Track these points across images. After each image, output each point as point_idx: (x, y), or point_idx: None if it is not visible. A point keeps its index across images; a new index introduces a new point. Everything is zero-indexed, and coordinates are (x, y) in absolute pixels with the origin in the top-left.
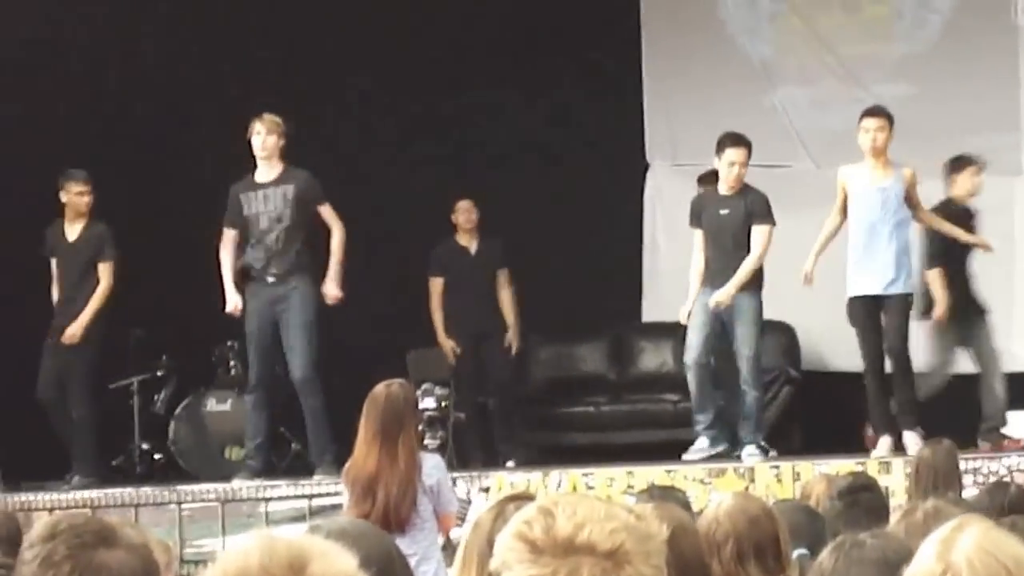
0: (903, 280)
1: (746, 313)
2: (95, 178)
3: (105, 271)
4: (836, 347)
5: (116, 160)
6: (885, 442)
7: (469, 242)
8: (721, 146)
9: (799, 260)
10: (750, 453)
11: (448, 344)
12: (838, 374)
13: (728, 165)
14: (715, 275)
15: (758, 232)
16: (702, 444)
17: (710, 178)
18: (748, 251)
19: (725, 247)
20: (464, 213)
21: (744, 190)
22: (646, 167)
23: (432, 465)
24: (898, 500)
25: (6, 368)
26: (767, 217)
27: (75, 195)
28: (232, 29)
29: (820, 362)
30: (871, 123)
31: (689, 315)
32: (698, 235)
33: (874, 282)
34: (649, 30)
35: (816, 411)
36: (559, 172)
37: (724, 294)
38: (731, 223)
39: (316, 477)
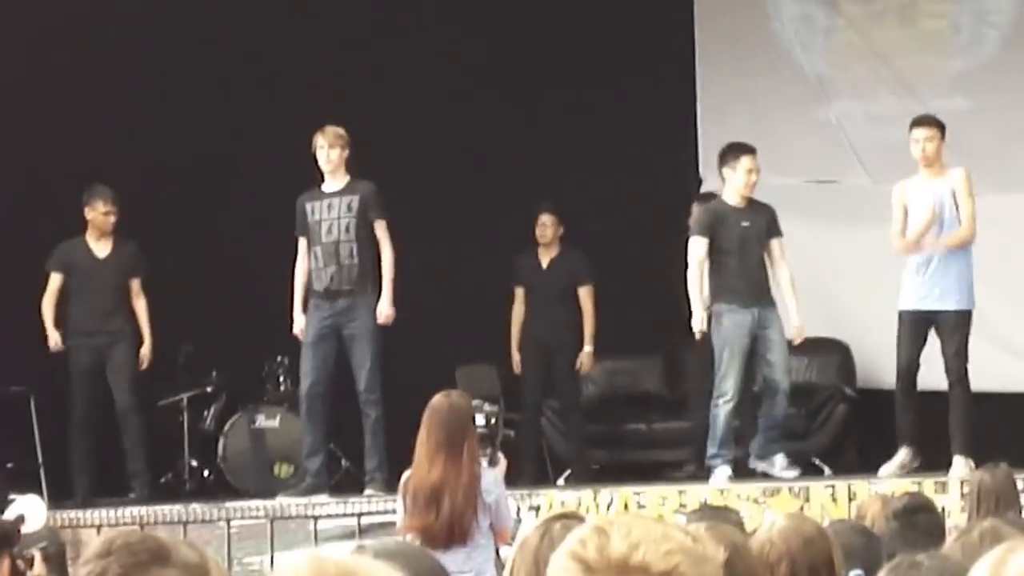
0: (960, 295)
1: (777, 325)
2: (145, 191)
3: (140, 287)
4: (893, 365)
5: (166, 173)
6: (902, 453)
7: (544, 255)
8: (734, 155)
9: (854, 276)
10: (784, 465)
11: (515, 356)
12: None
13: (747, 172)
14: (746, 292)
15: (780, 244)
16: (727, 472)
17: (708, 198)
18: (765, 265)
19: (751, 261)
20: (539, 227)
21: (755, 202)
22: (699, 182)
23: (491, 480)
24: (954, 521)
25: (49, 383)
26: (780, 229)
27: (101, 214)
28: (291, 36)
29: (876, 380)
30: (919, 133)
31: (706, 332)
32: (703, 244)
33: (927, 297)
34: (703, 45)
35: (872, 430)
36: (612, 188)
37: (799, 326)
38: (755, 236)
39: (366, 494)
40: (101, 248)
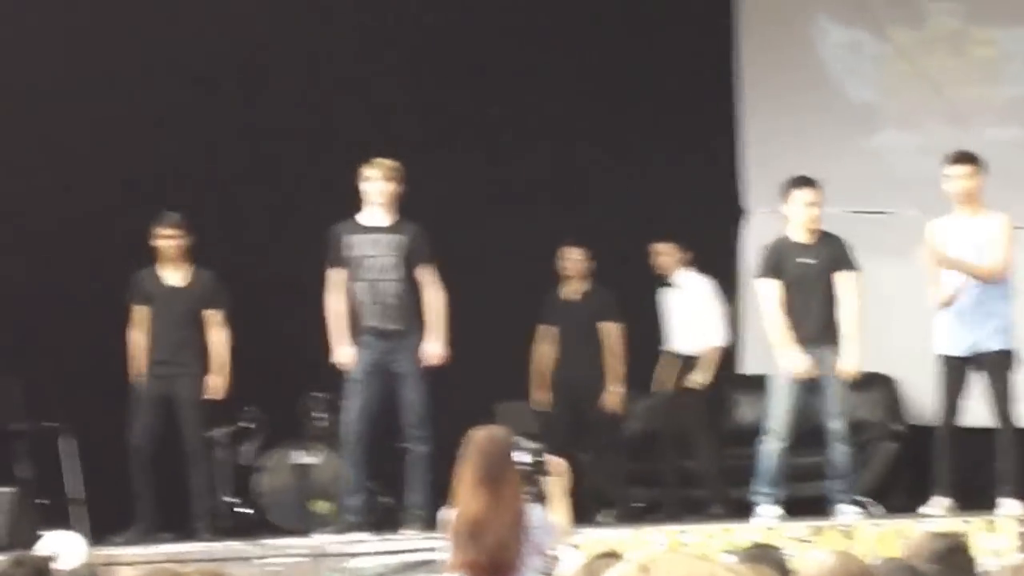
0: (1000, 335)
1: (833, 367)
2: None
3: (220, 318)
4: None
5: (205, 210)
6: (941, 502)
7: (570, 290)
8: (788, 190)
9: (902, 310)
10: (846, 511)
11: (537, 395)
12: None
13: (805, 206)
14: (801, 331)
15: (850, 279)
16: (770, 510)
17: None
18: (830, 303)
19: (811, 299)
20: (565, 260)
21: (824, 236)
22: (740, 213)
23: (537, 517)
24: (1004, 560)
25: (96, 416)
26: (854, 263)
27: (162, 239)
28: (335, 74)
29: (926, 416)
30: (956, 170)
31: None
32: (776, 287)
33: (965, 342)
34: (748, 73)
35: (922, 467)
36: (653, 222)
37: (854, 363)
38: (816, 272)
39: (404, 532)
40: (172, 276)
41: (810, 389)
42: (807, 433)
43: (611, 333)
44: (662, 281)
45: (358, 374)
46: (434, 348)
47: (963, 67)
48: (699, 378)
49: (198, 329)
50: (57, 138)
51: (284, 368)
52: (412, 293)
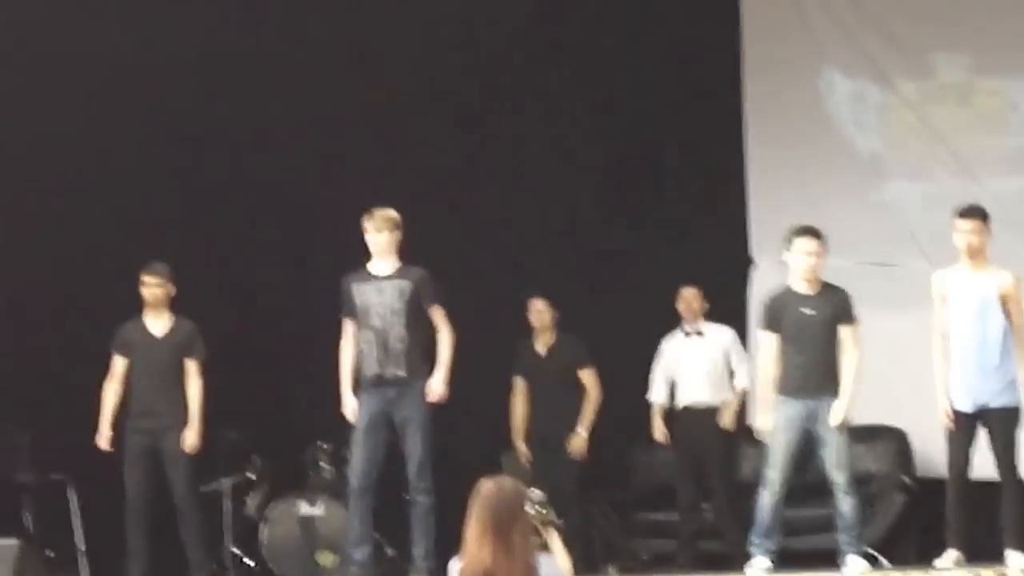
0: (1007, 392)
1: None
2: (185, 277)
3: (198, 369)
4: None
5: (208, 258)
6: (951, 555)
7: (540, 344)
8: (789, 238)
9: (910, 361)
10: (854, 563)
11: (521, 447)
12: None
13: (805, 255)
14: (801, 382)
15: (852, 333)
16: (763, 563)
17: None
18: (831, 354)
19: (811, 350)
20: (534, 313)
21: (827, 287)
22: (748, 263)
23: (548, 565)
24: None
25: (101, 468)
26: (854, 316)
27: (144, 287)
28: (334, 121)
29: (936, 469)
30: (965, 225)
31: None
32: (773, 340)
33: (971, 398)
34: (753, 123)
35: (932, 519)
36: (661, 273)
37: (841, 415)
38: (816, 324)
39: None
40: (157, 326)
41: (812, 441)
42: (815, 485)
43: (584, 379)
44: (685, 329)
45: (362, 425)
46: (435, 386)
47: (969, 118)
48: (728, 423)
49: (179, 380)
50: (55, 195)
51: (289, 418)
52: (417, 340)
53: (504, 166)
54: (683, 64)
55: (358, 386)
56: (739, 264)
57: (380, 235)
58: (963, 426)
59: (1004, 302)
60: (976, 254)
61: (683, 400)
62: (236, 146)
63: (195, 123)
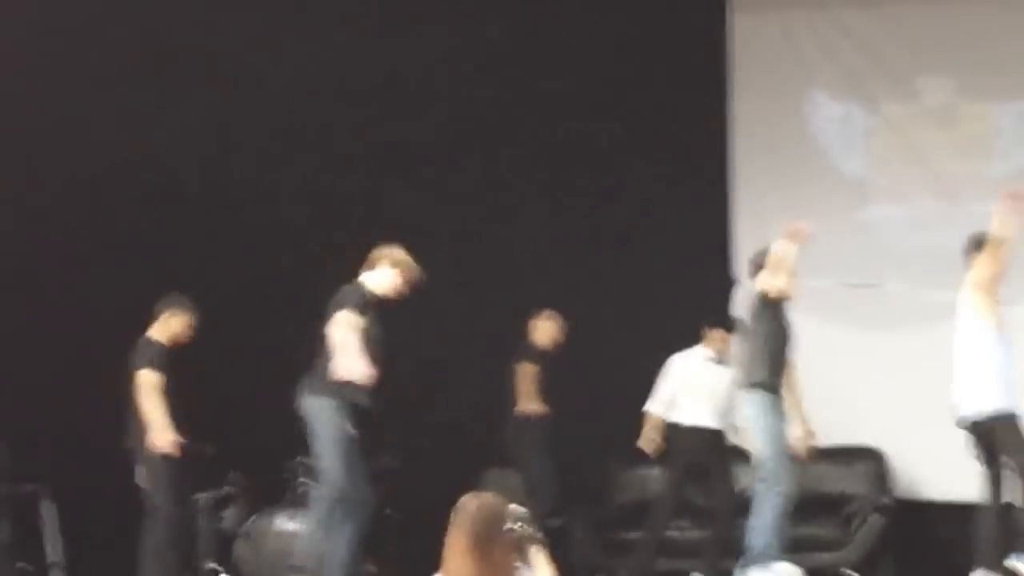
0: (1001, 399)
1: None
2: (162, 291)
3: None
4: (933, 474)
5: (190, 274)
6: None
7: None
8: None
9: (890, 382)
10: None
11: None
12: (937, 504)
13: None
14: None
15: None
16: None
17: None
18: None
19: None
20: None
21: None
22: (731, 283)
23: None
24: None
25: (77, 479)
26: None
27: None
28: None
29: (915, 491)
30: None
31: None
32: None
33: (971, 405)
34: (739, 145)
35: (911, 543)
36: (645, 291)
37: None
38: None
39: None
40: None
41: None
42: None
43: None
44: (711, 356)
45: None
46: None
47: (953, 141)
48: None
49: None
50: (27, 203)
51: (268, 434)
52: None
53: (487, 181)
54: (671, 84)
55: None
56: (724, 284)
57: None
58: (973, 440)
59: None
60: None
61: (688, 419)
62: (220, 159)
63: (157, 140)
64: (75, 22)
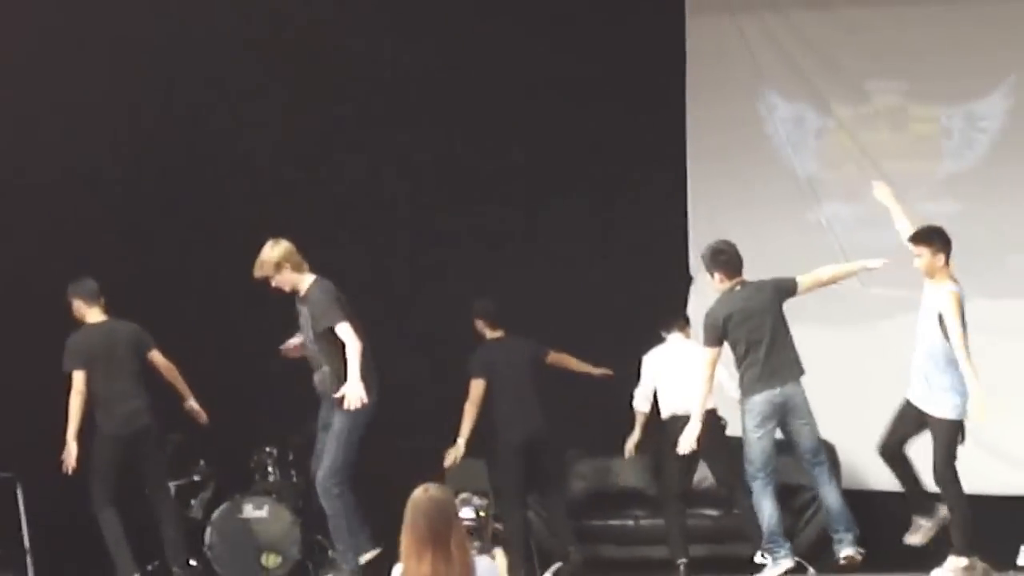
0: (942, 403)
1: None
2: (133, 282)
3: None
4: (879, 465)
5: (154, 266)
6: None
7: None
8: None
9: (841, 377)
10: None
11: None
12: (882, 493)
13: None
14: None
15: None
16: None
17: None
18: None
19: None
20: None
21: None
22: (689, 280)
23: (484, 568)
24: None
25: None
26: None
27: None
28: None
29: (862, 480)
30: (911, 247)
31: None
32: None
33: (916, 397)
34: (694, 144)
35: (860, 530)
36: (601, 286)
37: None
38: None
39: None
40: None
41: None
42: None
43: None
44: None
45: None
46: (346, 388)
47: (903, 142)
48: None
49: None
50: (5, 203)
51: (234, 422)
52: (335, 358)
53: (449, 179)
54: (626, 82)
55: None
56: (679, 280)
57: (272, 281)
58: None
59: (941, 314)
60: (927, 274)
61: (676, 409)
62: (186, 152)
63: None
64: (58, 22)
